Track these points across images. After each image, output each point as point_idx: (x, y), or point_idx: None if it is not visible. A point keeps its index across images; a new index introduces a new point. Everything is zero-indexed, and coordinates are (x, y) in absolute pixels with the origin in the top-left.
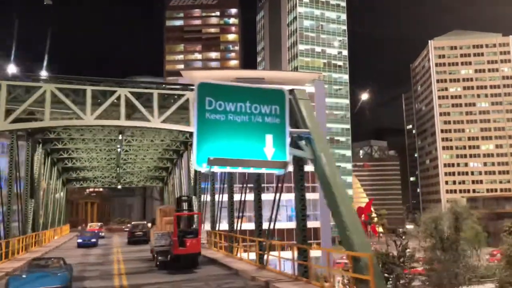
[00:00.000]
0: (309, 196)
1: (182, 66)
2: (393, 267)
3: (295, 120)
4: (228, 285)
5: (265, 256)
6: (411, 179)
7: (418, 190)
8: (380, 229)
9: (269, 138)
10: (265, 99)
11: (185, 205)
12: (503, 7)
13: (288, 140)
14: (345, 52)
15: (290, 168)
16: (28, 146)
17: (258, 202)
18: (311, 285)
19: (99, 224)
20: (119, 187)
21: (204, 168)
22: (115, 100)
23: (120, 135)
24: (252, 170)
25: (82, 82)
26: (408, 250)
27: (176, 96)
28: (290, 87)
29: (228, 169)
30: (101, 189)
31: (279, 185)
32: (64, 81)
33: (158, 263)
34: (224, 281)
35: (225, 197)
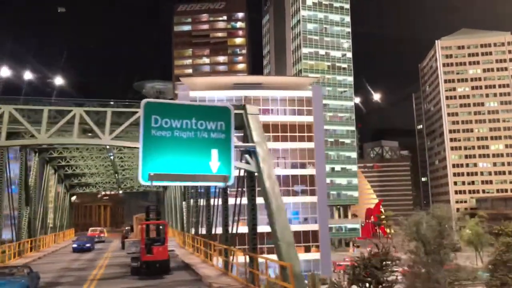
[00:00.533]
0: (308, 199)
1: (190, 71)
2: (373, 271)
3: (246, 135)
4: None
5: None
6: (423, 179)
7: (429, 190)
8: (391, 230)
9: (214, 152)
10: (210, 115)
11: (153, 215)
12: (511, 5)
13: (233, 154)
14: (349, 54)
15: (235, 179)
16: (21, 156)
17: (225, 209)
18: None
19: (99, 228)
20: (120, 192)
21: (148, 183)
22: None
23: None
24: (195, 183)
25: (39, 103)
26: (390, 254)
27: (130, 113)
28: (288, 92)
29: (173, 183)
30: (114, 192)
31: (239, 189)
32: (27, 101)
33: (131, 269)
34: (179, 283)
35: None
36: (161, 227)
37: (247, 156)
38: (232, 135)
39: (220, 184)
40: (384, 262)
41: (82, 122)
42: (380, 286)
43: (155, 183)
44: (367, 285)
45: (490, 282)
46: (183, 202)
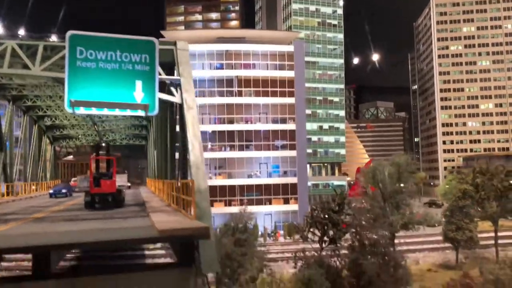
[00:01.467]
0: (288, 153)
1: (183, 28)
2: (330, 213)
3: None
4: (122, 215)
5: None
6: (415, 139)
7: (419, 150)
8: None
9: (138, 84)
10: (135, 48)
11: (103, 151)
12: None
13: (157, 85)
14: (340, 11)
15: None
16: None
17: (172, 154)
18: (179, 213)
19: None
20: (103, 144)
21: (73, 111)
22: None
23: None
24: (118, 112)
25: None
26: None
27: (63, 48)
28: (270, 46)
29: (94, 111)
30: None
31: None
32: None
33: (84, 203)
34: (122, 213)
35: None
36: (110, 164)
37: (172, 88)
38: (156, 68)
39: (142, 113)
40: (340, 206)
41: (15, 55)
42: (336, 228)
43: (78, 111)
44: (325, 227)
45: (446, 227)
46: (154, 152)
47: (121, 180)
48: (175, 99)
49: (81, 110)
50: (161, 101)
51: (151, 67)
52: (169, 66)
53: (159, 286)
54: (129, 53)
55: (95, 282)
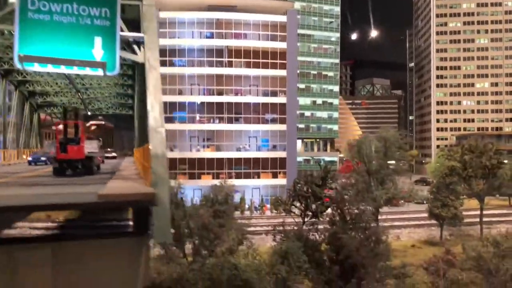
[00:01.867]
0: (278, 127)
1: None
2: (313, 187)
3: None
4: (84, 181)
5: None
6: (410, 117)
7: (413, 127)
8: None
9: (98, 40)
10: (94, 1)
11: (71, 116)
12: None
13: (118, 43)
14: None
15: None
16: None
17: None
18: (141, 180)
19: None
20: (89, 113)
21: (24, 67)
22: None
23: None
24: (76, 70)
25: None
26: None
27: None
28: (261, 15)
29: (50, 68)
30: (102, 122)
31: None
32: None
33: (52, 170)
34: (86, 180)
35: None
36: (78, 129)
37: (135, 46)
38: (118, 24)
39: (100, 72)
40: (324, 180)
41: None
42: (318, 202)
43: (31, 68)
44: (308, 201)
45: (432, 204)
46: (136, 121)
47: (91, 146)
48: (138, 58)
49: (36, 67)
50: (140, 67)
51: (112, 23)
52: (136, 24)
53: (112, 254)
54: (87, 6)
55: (42, 248)
